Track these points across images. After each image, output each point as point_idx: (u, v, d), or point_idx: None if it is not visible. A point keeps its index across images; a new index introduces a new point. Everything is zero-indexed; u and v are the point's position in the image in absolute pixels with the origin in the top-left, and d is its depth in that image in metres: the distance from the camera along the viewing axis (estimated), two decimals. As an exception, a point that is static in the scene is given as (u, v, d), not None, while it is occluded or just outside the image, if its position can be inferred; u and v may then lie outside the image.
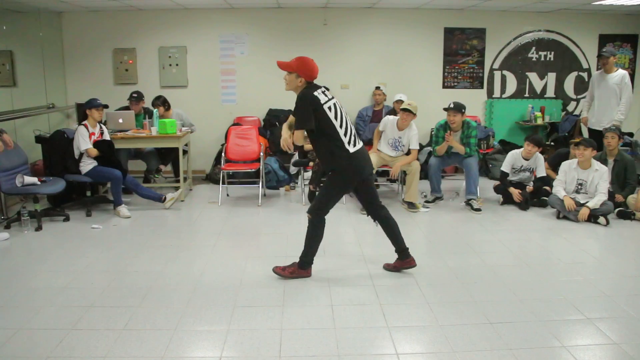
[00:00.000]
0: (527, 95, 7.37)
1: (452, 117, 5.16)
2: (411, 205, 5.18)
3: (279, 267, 3.47)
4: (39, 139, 5.44)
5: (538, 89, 7.37)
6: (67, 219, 4.85)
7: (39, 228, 4.56)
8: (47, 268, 3.67)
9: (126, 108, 6.01)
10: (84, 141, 4.92)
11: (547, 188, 5.25)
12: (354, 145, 3.22)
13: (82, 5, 6.25)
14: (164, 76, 6.90)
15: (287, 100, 6.99)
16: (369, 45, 7.01)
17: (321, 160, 3.38)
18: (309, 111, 3.09)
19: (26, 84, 6.08)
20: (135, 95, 6.06)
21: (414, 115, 5.10)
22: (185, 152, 6.10)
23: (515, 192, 5.23)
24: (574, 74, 7.37)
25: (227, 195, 5.91)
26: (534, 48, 7.25)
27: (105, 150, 5.05)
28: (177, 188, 5.55)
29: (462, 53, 7.15)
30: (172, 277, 3.47)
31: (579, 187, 4.90)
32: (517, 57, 7.25)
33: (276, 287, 3.30)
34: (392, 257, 3.88)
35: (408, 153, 5.30)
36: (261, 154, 5.72)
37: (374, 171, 5.20)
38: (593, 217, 4.69)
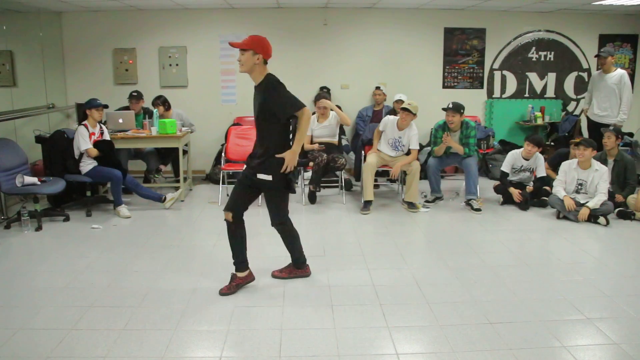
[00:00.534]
0: (527, 95, 7.37)
1: (451, 118, 5.16)
2: (411, 205, 5.18)
3: (276, 270, 3.47)
4: (39, 139, 5.44)
5: (538, 89, 7.37)
6: (67, 219, 4.85)
7: (39, 228, 4.57)
8: (47, 268, 3.67)
9: (126, 108, 6.01)
10: (84, 141, 4.92)
11: (547, 188, 5.25)
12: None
13: (82, 5, 6.25)
14: (164, 76, 6.90)
15: (287, 100, 7.01)
16: (369, 45, 7.01)
17: (268, 147, 3.05)
18: (289, 93, 2.99)
19: (26, 84, 6.08)
20: (134, 94, 6.05)
21: (413, 115, 5.10)
22: (185, 152, 6.10)
23: (515, 192, 5.23)
24: (574, 74, 7.37)
25: (227, 195, 5.86)
26: (534, 48, 7.25)
27: (105, 150, 5.05)
28: (177, 188, 5.55)
29: (462, 53, 7.15)
30: (172, 277, 3.48)
31: (579, 187, 4.90)
32: (517, 57, 7.25)
33: (276, 287, 3.30)
34: (392, 256, 3.89)
35: (408, 153, 5.30)
36: (261, 154, 5.71)
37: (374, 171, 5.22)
38: (593, 217, 4.69)
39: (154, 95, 6.07)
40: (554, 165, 5.46)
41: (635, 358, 2.45)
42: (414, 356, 2.52)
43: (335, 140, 5.60)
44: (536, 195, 5.29)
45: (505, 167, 5.42)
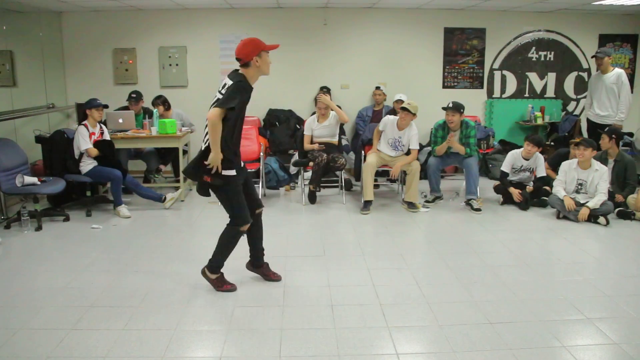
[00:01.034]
0: (527, 95, 7.37)
1: (451, 117, 5.16)
2: (411, 205, 5.18)
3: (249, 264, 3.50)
4: (39, 139, 5.44)
5: (538, 89, 7.37)
6: (67, 219, 4.85)
7: (39, 228, 4.57)
8: (47, 268, 3.67)
9: (126, 108, 6.01)
10: (84, 141, 4.92)
11: (547, 188, 5.25)
12: None
13: (82, 5, 6.25)
14: (164, 76, 6.90)
15: (288, 100, 7.02)
16: (369, 45, 7.02)
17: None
18: (239, 97, 2.90)
19: (26, 84, 6.08)
20: (134, 95, 6.06)
21: (413, 115, 5.10)
22: (185, 152, 6.10)
23: (515, 192, 5.23)
24: (574, 74, 7.37)
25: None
26: (534, 48, 7.25)
27: (105, 150, 5.05)
28: (177, 188, 5.55)
29: (462, 53, 7.15)
30: (172, 277, 3.48)
31: (579, 187, 4.90)
32: (517, 57, 7.25)
33: (276, 287, 3.30)
34: (392, 256, 3.89)
35: (408, 153, 5.30)
36: (261, 154, 5.72)
37: (374, 171, 5.23)
38: (593, 217, 4.69)
39: (154, 95, 6.07)
40: (554, 165, 5.46)
41: (635, 358, 2.45)
42: (414, 356, 2.52)
43: (335, 140, 5.60)
44: (536, 195, 5.29)
45: (505, 167, 5.42)
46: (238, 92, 2.90)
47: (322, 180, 5.56)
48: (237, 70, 3.01)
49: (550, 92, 7.39)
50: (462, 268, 3.62)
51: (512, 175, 5.44)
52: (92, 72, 6.82)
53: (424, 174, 5.61)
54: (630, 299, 3.10)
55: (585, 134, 6.42)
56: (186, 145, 6.10)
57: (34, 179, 4.64)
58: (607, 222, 4.64)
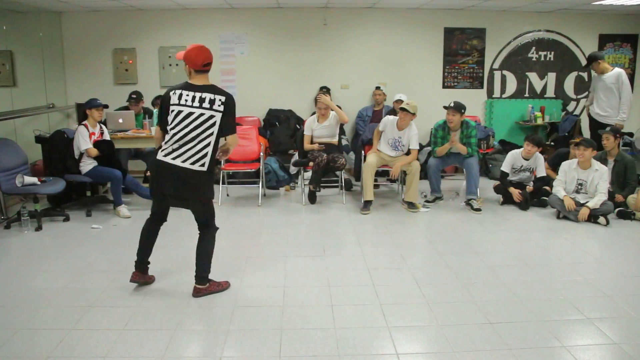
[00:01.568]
0: (527, 95, 7.37)
1: (451, 117, 5.16)
2: (411, 205, 5.18)
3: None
4: (39, 139, 5.44)
5: (538, 89, 7.38)
6: (67, 219, 4.85)
7: (39, 228, 4.56)
8: (47, 268, 3.67)
9: (126, 108, 6.02)
10: (84, 141, 4.92)
11: (547, 188, 5.25)
12: (170, 156, 2.94)
13: (82, 5, 6.25)
14: (164, 76, 6.90)
15: (288, 101, 7.02)
16: (369, 45, 7.02)
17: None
18: (161, 113, 3.04)
19: (26, 84, 6.08)
20: (134, 96, 6.06)
21: (412, 115, 5.10)
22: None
23: (515, 192, 5.23)
24: (574, 74, 7.37)
25: (227, 195, 5.91)
26: (534, 48, 7.25)
27: (105, 150, 5.05)
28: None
29: (462, 53, 7.16)
30: (172, 277, 3.47)
31: (579, 187, 4.90)
32: (517, 57, 7.25)
33: (276, 287, 3.30)
34: (392, 256, 3.89)
35: (408, 153, 5.30)
36: (261, 154, 5.72)
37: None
38: (593, 217, 4.69)
39: (153, 95, 6.07)
40: (554, 165, 5.46)
41: (635, 358, 2.45)
42: (414, 356, 2.52)
43: (335, 140, 5.59)
44: (536, 195, 5.29)
45: (505, 167, 5.42)
46: None
47: (322, 180, 5.56)
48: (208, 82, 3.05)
49: (550, 92, 7.39)
50: (462, 268, 3.62)
51: (512, 175, 5.44)
52: (92, 72, 6.82)
53: (424, 174, 5.61)
54: (630, 299, 3.10)
55: (586, 133, 6.41)
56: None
57: (34, 179, 4.64)
58: (607, 222, 4.64)
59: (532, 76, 7.33)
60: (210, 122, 2.93)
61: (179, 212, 5.24)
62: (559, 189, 4.91)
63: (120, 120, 5.64)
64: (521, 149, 5.38)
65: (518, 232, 4.55)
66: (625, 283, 3.37)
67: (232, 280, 3.36)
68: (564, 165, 5.02)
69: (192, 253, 4.00)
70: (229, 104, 2.97)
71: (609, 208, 4.72)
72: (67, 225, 4.76)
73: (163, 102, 3.02)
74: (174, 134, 2.94)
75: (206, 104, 2.93)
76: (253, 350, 2.54)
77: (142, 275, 3.26)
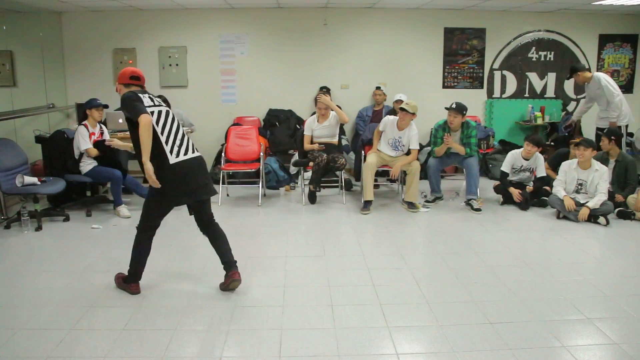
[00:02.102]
0: (527, 95, 7.37)
1: (452, 118, 5.16)
2: (411, 205, 5.18)
3: (122, 273, 3.29)
4: (39, 139, 5.44)
5: (538, 89, 7.37)
6: (67, 219, 4.85)
7: (39, 228, 4.57)
8: (47, 268, 3.67)
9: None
10: (84, 141, 4.93)
11: (547, 188, 5.25)
12: (181, 154, 3.02)
13: (82, 5, 6.25)
14: (164, 76, 6.90)
15: (288, 101, 7.02)
16: (369, 45, 7.01)
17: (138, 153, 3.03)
18: (136, 104, 2.98)
19: (26, 84, 6.08)
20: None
21: (412, 114, 5.10)
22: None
23: (515, 192, 5.23)
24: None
25: (227, 195, 5.91)
26: (534, 48, 7.25)
27: (105, 150, 5.05)
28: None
29: (462, 53, 7.15)
30: (172, 277, 3.48)
31: (579, 187, 4.90)
32: (517, 57, 7.25)
33: (276, 287, 3.30)
34: (392, 256, 3.89)
35: (408, 153, 5.30)
36: (261, 154, 5.72)
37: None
38: (593, 217, 4.69)
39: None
40: (554, 165, 5.46)
41: (635, 358, 2.45)
42: (414, 356, 2.52)
43: (335, 140, 5.60)
44: (536, 195, 5.29)
45: (505, 167, 5.42)
46: None
47: (322, 180, 5.56)
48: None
49: (550, 92, 7.39)
50: (462, 268, 3.62)
51: (512, 175, 5.44)
52: (92, 72, 6.81)
53: (424, 174, 5.61)
54: (630, 299, 3.10)
55: (586, 134, 6.41)
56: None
57: (34, 179, 4.64)
58: (607, 222, 4.64)
59: (532, 76, 7.33)
60: (172, 115, 3.23)
61: (179, 212, 5.25)
62: (559, 189, 4.91)
63: (120, 120, 5.63)
64: (521, 149, 5.38)
65: (518, 232, 4.55)
66: (625, 283, 3.37)
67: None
68: (564, 165, 5.02)
69: (192, 253, 4.02)
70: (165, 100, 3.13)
71: (609, 208, 4.72)
72: (67, 225, 4.76)
73: (138, 99, 3.06)
74: (169, 134, 3.04)
75: (158, 101, 3.23)
76: (253, 350, 2.54)
77: (138, 285, 3.24)
